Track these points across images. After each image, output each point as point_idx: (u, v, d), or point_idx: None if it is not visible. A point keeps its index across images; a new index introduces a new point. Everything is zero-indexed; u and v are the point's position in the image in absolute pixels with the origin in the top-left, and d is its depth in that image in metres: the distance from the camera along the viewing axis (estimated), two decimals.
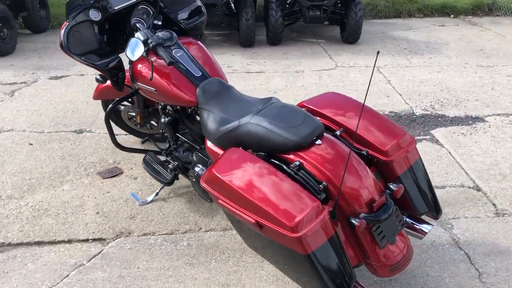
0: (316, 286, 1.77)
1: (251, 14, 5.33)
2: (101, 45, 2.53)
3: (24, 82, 4.60)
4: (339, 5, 5.66)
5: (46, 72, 4.91)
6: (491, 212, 2.70)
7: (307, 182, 1.88)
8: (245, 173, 1.85)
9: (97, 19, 2.51)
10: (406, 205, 2.06)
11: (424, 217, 2.14)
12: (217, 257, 2.39)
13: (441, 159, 3.22)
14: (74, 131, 3.63)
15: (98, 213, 2.73)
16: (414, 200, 2.05)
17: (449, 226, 2.60)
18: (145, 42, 2.34)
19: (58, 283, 2.24)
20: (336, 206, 1.83)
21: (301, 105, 2.26)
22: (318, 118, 2.09)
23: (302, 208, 1.70)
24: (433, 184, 2.88)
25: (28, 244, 2.51)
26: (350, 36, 5.58)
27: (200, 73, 2.43)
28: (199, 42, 2.66)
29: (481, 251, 2.41)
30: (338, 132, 2.06)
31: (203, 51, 2.59)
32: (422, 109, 3.95)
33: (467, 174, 3.05)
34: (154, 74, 2.43)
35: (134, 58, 2.32)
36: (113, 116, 3.24)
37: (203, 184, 1.98)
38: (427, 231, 2.09)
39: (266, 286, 2.21)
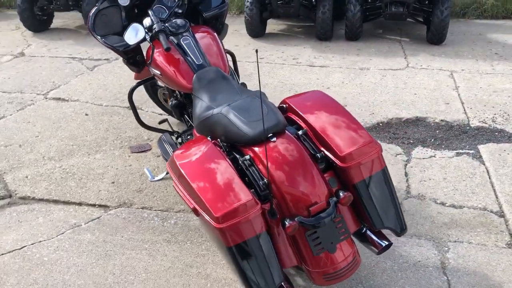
0: (238, 279, 1.79)
1: (328, 7, 5.23)
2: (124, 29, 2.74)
3: (107, 59, 5.07)
4: (426, 2, 5.29)
5: None
6: (502, 242, 2.42)
7: (253, 177, 1.89)
8: (197, 161, 1.92)
9: (125, 4, 2.72)
10: (363, 216, 1.96)
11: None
12: (194, 239, 2.49)
13: (473, 177, 2.93)
14: (126, 107, 3.95)
15: (113, 182, 2.99)
16: (370, 212, 1.94)
17: (445, 248, 2.39)
18: (150, 28, 2.50)
19: (52, 238, 2.53)
20: (275, 205, 1.81)
21: (283, 101, 2.24)
22: (296, 116, 2.07)
23: (233, 201, 1.73)
24: (452, 202, 2.68)
25: (47, 201, 2.85)
26: (434, 36, 5.20)
27: (201, 61, 2.52)
28: (212, 32, 2.74)
29: (466, 281, 2.19)
30: (300, 132, 2.02)
31: (213, 41, 2.67)
32: (479, 121, 3.60)
33: (496, 197, 2.75)
34: (160, 59, 2.57)
35: (131, 42, 2.49)
36: (153, 96, 3.48)
37: (167, 168, 2.09)
38: (382, 246, 1.97)
39: (225, 274, 2.26)
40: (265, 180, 1.84)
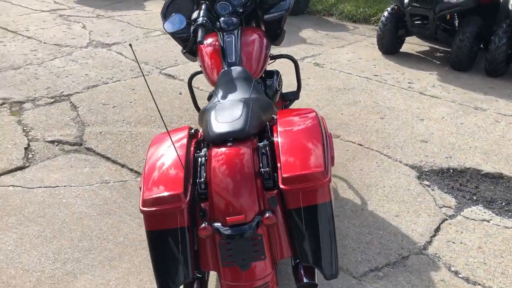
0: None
1: (468, 34, 4.71)
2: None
3: None
4: None
5: None
6: None
7: (199, 175, 1.94)
8: (162, 147, 2.05)
9: None
10: (293, 245, 1.86)
11: None
12: None
13: None
14: None
15: None
16: (297, 244, 1.83)
17: None
18: (194, 20, 2.67)
19: (80, 186, 2.94)
20: (202, 206, 1.85)
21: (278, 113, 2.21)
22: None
23: (163, 190, 1.83)
24: (468, 275, 2.36)
25: (102, 156, 3.29)
26: None
27: (234, 60, 2.61)
28: (262, 36, 2.77)
29: None
30: (261, 144, 1.98)
31: (257, 44, 2.71)
32: None
33: None
34: (202, 51, 2.73)
35: (169, 30, 2.69)
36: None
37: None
38: (302, 282, 1.84)
39: None
40: (202, 179, 1.88)
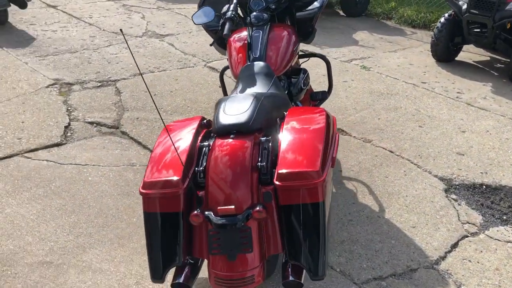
0: None
1: None
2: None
3: None
4: None
5: None
6: None
7: (201, 163, 1.98)
8: (173, 135, 2.12)
9: None
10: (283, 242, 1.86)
11: None
12: None
13: None
14: None
15: None
16: (287, 241, 1.83)
17: None
18: (223, 14, 2.71)
19: (108, 166, 3.07)
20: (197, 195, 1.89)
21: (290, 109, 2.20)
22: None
23: (163, 175, 1.90)
24: None
25: (134, 140, 3.42)
26: None
27: (258, 55, 2.63)
28: (291, 33, 2.76)
29: None
30: (263, 139, 1.99)
31: (283, 41, 2.71)
32: None
33: None
34: (230, 44, 2.76)
35: (197, 22, 2.74)
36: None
37: None
38: (288, 279, 1.83)
39: None
40: (201, 168, 1.92)
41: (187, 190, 1.87)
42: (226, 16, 2.68)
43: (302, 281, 1.84)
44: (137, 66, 1.54)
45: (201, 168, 1.91)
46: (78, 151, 3.21)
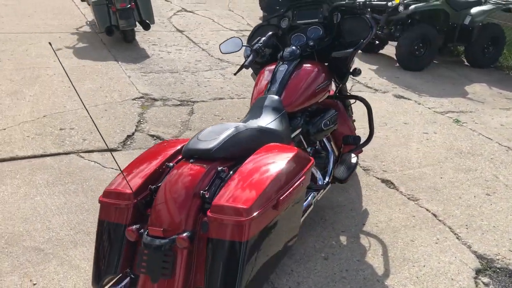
0: None
1: None
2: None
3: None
4: None
5: None
6: None
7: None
8: (151, 153, 2.21)
9: (284, 27, 3.03)
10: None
11: None
12: None
13: None
14: None
15: None
16: (205, 274, 1.77)
17: None
18: (252, 45, 2.74)
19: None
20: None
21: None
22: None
23: (121, 187, 1.99)
24: None
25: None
26: None
27: (275, 89, 2.61)
28: (318, 73, 2.68)
29: None
30: (219, 168, 1.96)
31: (306, 78, 2.65)
32: None
33: None
34: (259, 74, 2.78)
35: (223, 51, 2.79)
36: None
37: None
38: None
39: None
40: (154, 187, 1.97)
41: (142, 206, 1.93)
42: (252, 48, 2.71)
43: None
44: (67, 74, 1.66)
45: (153, 187, 1.96)
46: (127, 158, 3.47)
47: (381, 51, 7.00)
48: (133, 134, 3.86)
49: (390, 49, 6.81)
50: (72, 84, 1.58)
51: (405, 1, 6.09)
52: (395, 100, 5.05)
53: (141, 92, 4.70)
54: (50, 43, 1.51)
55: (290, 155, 2.01)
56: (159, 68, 5.49)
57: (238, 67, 3.11)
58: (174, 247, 1.78)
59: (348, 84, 5.43)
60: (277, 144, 2.14)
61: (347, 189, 3.24)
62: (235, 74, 2.90)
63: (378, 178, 3.41)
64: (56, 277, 2.32)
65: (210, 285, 1.74)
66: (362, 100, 2.99)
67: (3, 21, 6.84)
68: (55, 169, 3.24)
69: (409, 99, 5.10)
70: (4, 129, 3.72)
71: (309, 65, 2.73)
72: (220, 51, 2.83)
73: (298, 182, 1.97)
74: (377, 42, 6.79)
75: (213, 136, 2.07)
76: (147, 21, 6.15)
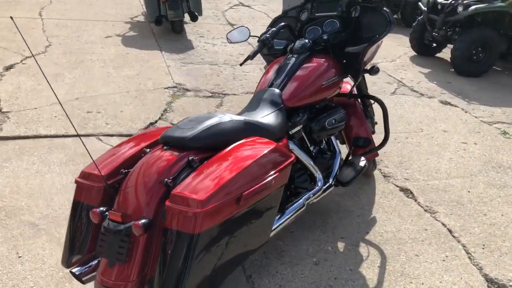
0: None
1: None
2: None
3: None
4: None
5: None
6: None
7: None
8: (134, 140, 2.19)
9: (303, 20, 2.92)
10: None
11: None
12: None
13: None
14: None
15: None
16: (157, 264, 1.71)
17: None
18: (260, 36, 2.65)
19: None
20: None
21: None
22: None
23: (94, 170, 1.98)
24: None
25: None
26: None
27: (278, 82, 2.51)
28: (326, 69, 2.54)
29: None
30: (191, 157, 1.89)
31: (311, 73, 2.52)
32: None
33: None
34: (269, 68, 2.68)
35: (230, 41, 2.71)
36: None
37: None
38: None
39: None
40: (125, 171, 1.95)
41: (113, 189, 1.91)
42: (260, 39, 2.62)
43: None
44: (38, 64, 1.65)
45: (125, 171, 1.93)
46: None
47: (438, 55, 6.61)
48: (155, 122, 3.88)
49: (448, 53, 6.41)
50: (42, 73, 1.58)
51: (465, 2, 5.69)
52: (439, 106, 4.73)
53: (175, 82, 4.73)
54: (11, 17, 1.51)
55: (265, 150, 1.91)
56: (200, 59, 5.51)
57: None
58: (131, 233, 1.74)
59: (392, 87, 5.18)
60: (258, 138, 2.04)
61: (359, 195, 3.06)
62: (241, 64, 2.81)
63: (397, 186, 3.19)
64: (41, 252, 2.36)
65: (159, 275, 1.69)
66: (378, 101, 2.81)
67: (66, 8, 7.18)
68: (71, 149, 3.33)
69: (455, 106, 4.76)
70: (36, 108, 3.88)
71: (318, 59, 2.59)
72: (227, 40, 2.76)
73: (270, 178, 1.86)
74: (434, 44, 6.42)
75: (192, 124, 2.02)
76: (195, 13, 6.20)
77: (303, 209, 2.39)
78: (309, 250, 2.52)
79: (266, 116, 2.31)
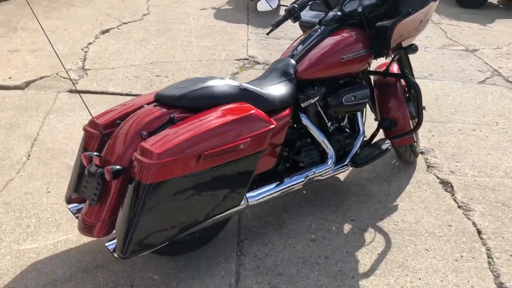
0: None
1: None
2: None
3: None
4: None
5: None
6: None
7: None
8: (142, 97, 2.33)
9: None
10: None
11: None
12: None
13: None
14: None
15: None
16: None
17: None
18: (291, 5, 2.60)
19: None
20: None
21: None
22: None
23: (100, 117, 2.16)
24: None
25: None
26: None
27: (298, 53, 2.46)
28: (349, 39, 2.43)
29: None
30: (173, 115, 1.97)
31: (333, 46, 2.43)
32: None
33: None
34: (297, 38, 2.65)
35: (259, 9, 2.69)
36: None
37: None
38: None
39: None
40: (118, 122, 2.09)
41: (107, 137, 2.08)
42: (287, 7, 2.59)
43: (115, 254, 1.83)
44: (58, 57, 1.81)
45: (119, 122, 2.08)
46: None
47: None
48: None
49: None
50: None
51: None
52: None
53: (249, 54, 4.82)
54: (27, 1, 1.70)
55: (240, 115, 1.92)
56: (283, 34, 5.51)
57: None
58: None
59: (483, 75, 4.69)
60: (243, 103, 2.04)
61: (390, 181, 2.89)
62: (267, 34, 2.79)
63: (437, 178, 2.94)
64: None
65: (118, 220, 1.81)
66: (411, 82, 2.61)
67: None
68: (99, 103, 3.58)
69: None
70: (113, 68, 4.26)
71: (344, 32, 2.48)
72: (258, 9, 2.76)
73: (238, 143, 1.87)
74: None
75: (186, 85, 2.09)
76: None
77: (300, 183, 2.34)
78: (311, 227, 2.47)
79: (271, 86, 2.29)
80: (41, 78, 3.97)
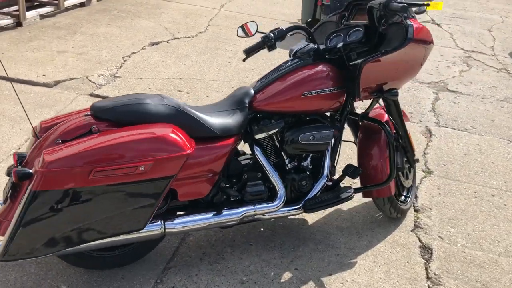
0: None
1: None
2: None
3: None
4: None
5: None
6: None
7: None
8: None
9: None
10: None
11: None
12: None
13: None
14: None
15: None
16: None
17: None
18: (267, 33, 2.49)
19: None
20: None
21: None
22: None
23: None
24: None
25: None
26: None
27: (260, 83, 2.37)
28: (314, 76, 2.28)
29: None
30: (93, 127, 1.95)
31: (295, 81, 2.30)
32: None
33: None
34: None
35: (238, 34, 2.59)
36: None
37: None
38: None
39: None
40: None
41: None
42: (263, 36, 2.49)
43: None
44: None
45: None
46: None
47: None
48: None
49: None
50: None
51: None
52: None
53: None
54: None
55: (152, 135, 1.85)
56: None
57: None
58: None
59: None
60: (167, 125, 1.97)
61: (363, 235, 2.62)
62: (243, 60, 2.68)
63: (420, 241, 2.62)
64: None
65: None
66: (386, 131, 2.37)
67: (250, 3, 7.75)
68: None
69: None
70: (141, 78, 4.39)
71: (315, 67, 2.33)
72: (237, 33, 2.68)
73: (136, 163, 1.79)
74: None
75: (123, 99, 2.08)
76: None
77: (237, 219, 2.20)
78: (248, 268, 2.31)
79: (217, 112, 2.20)
80: (71, 79, 4.20)
